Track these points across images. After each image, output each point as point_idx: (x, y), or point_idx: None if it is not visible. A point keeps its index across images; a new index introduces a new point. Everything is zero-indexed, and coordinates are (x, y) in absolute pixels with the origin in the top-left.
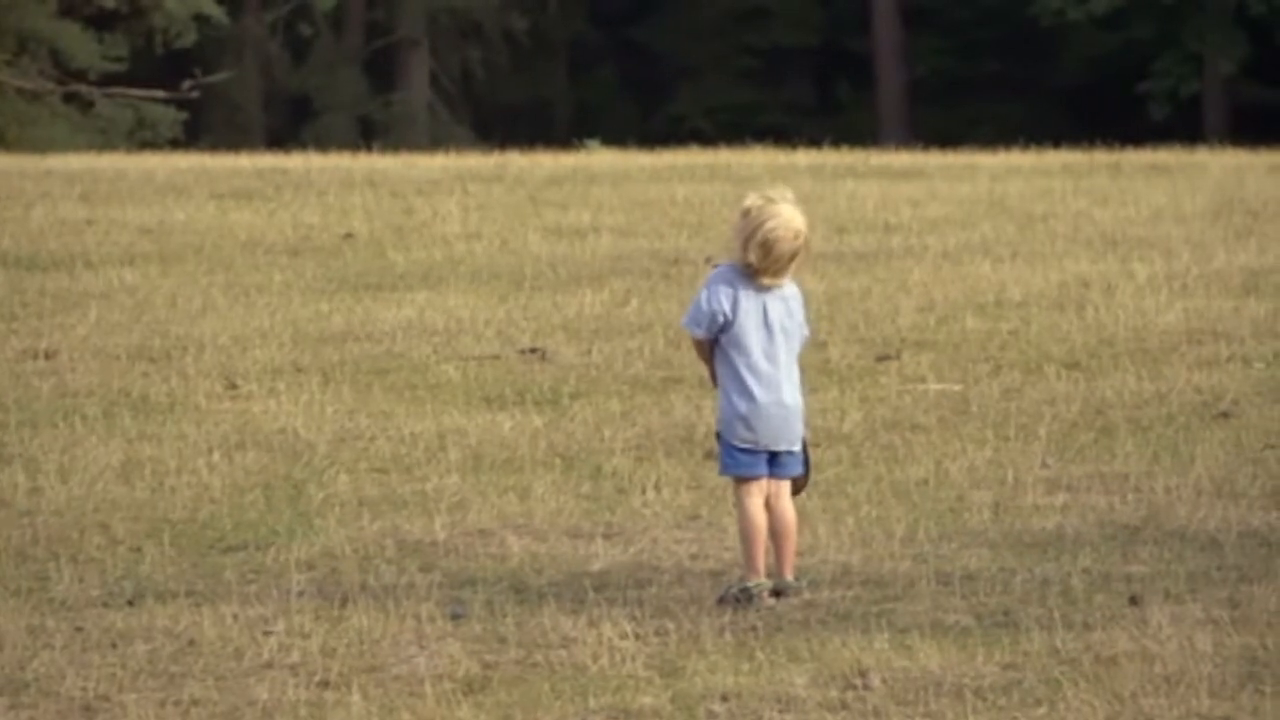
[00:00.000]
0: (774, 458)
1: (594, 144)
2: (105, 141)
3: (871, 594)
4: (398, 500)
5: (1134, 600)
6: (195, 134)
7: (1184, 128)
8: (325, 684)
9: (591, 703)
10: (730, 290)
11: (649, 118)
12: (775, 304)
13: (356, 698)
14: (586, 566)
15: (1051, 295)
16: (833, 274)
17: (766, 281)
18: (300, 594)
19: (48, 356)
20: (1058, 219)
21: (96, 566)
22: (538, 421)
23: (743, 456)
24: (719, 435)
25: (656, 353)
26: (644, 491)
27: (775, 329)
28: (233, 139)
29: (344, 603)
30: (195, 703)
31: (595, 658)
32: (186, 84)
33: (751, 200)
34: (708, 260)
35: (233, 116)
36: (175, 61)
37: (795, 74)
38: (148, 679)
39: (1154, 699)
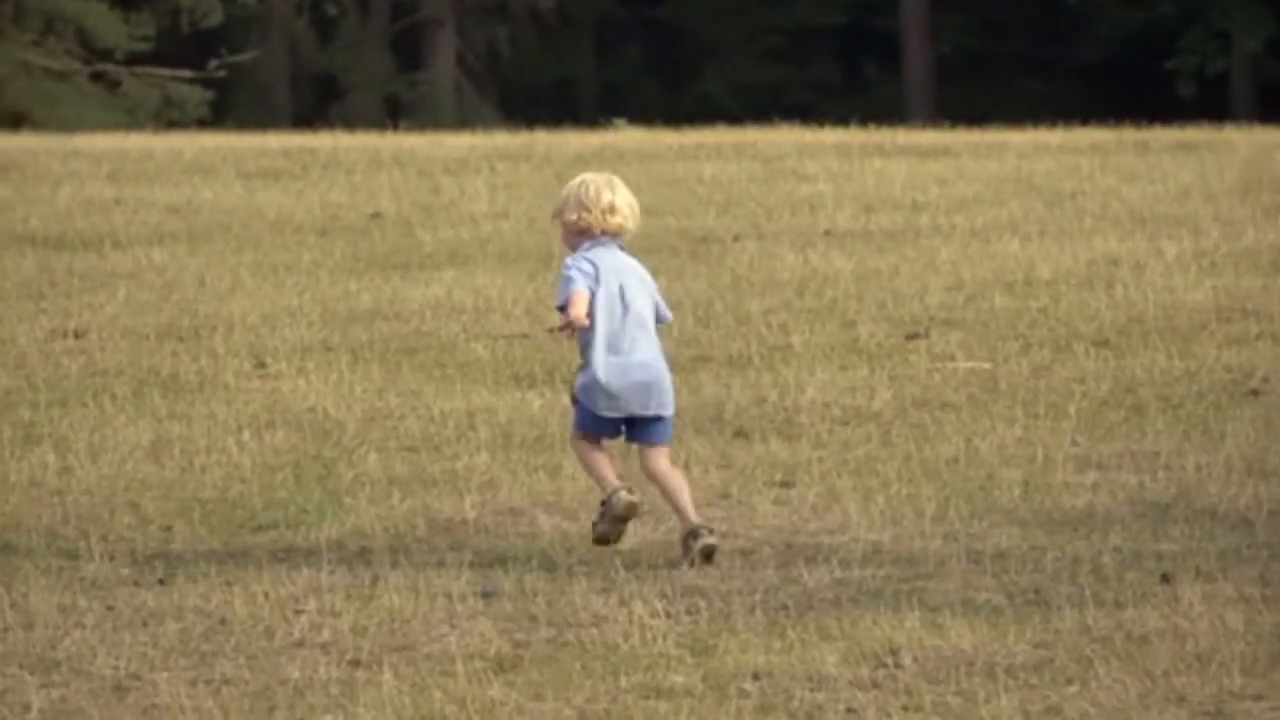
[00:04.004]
0: (638, 424)
1: (621, 123)
2: (132, 121)
3: (902, 572)
4: (428, 479)
5: (1165, 578)
6: (222, 113)
7: (1211, 105)
8: (356, 663)
9: (623, 681)
10: (590, 266)
11: (675, 97)
12: (630, 280)
13: (388, 676)
14: (617, 545)
15: (1080, 273)
16: (861, 253)
17: (616, 223)
18: (331, 573)
19: (77, 336)
20: (1086, 197)
21: (127, 545)
22: (567, 400)
23: (602, 422)
24: (575, 400)
25: (685, 331)
26: None
27: (630, 301)
28: (260, 118)
29: (374, 581)
30: (227, 681)
31: (626, 636)
32: (213, 63)
33: (555, 204)
34: (735, 239)
35: (259, 96)
36: (202, 41)
37: (822, 52)
38: (179, 658)
39: (1186, 677)
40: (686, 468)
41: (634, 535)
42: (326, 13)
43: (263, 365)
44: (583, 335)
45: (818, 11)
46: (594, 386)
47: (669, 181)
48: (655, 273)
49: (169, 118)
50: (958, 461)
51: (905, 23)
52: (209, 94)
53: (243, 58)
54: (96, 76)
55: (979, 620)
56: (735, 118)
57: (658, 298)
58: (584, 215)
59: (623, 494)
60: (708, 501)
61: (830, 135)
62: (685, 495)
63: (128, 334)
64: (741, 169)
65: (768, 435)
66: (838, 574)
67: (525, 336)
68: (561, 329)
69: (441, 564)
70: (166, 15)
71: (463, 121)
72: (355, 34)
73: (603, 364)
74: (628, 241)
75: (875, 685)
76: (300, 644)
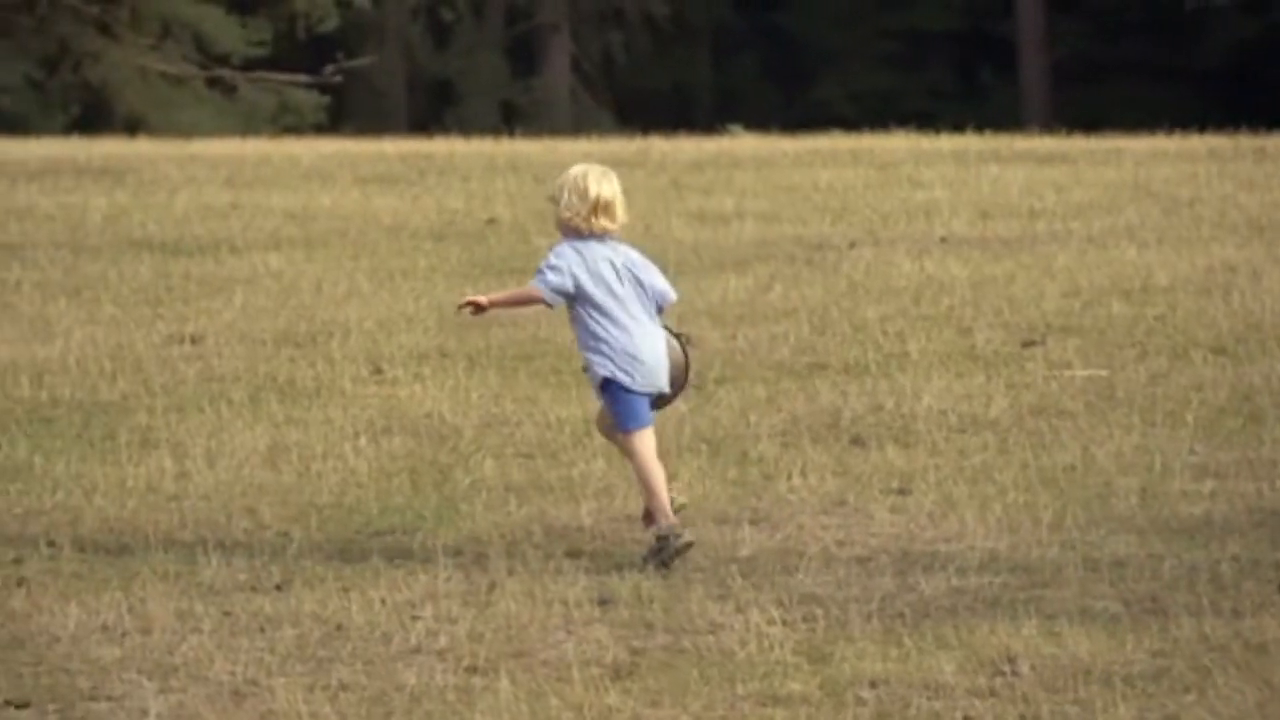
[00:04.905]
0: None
1: (737, 129)
2: (249, 126)
3: (1019, 580)
4: (544, 485)
5: None
6: (338, 119)
7: None
8: (473, 669)
9: (739, 689)
10: (576, 255)
11: (791, 102)
12: (619, 261)
13: (504, 683)
14: (733, 552)
15: (1198, 280)
16: (978, 260)
17: (604, 226)
18: (448, 579)
19: (194, 341)
20: (1203, 204)
21: (244, 551)
22: (683, 407)
23: (642, 404)
24: (605, 386)
25: (801, 338)
26: (790, 477)
27: (625, 280)
28: (375, 124)
29: (491, 588)
30: (344, 687)
31: (743, 644)
32: (329, 69)
33: (553, 189)
34: (851, 245)
35: (375, 101)
36: (318, 46)
37: (937, 58)
38: (296, 663)
39: None
40: (803, 475)
41: (750, 542)
42: (442, 18)
43: (379, 371)
44: (586, 326)
45: (933, 17)
46: (630, 361)
47: (785, 188)
48: (771, 280)
49: (285, 123)
50: (1075, 469)
51: (1021, 28)
52: (325, 99)
53: (359, 63)
54: (213, 82)
55: (1096, 629)
56: (851, 124)
57: (658, 281)
58: (574, 216)
59: (682, 532)
60: (824, 509)
61: (946, 141)
62: (664, 485)
63: (244, 339)
64: (857, 175)
65: (884, 443)
66: (954, 582)
67: None
68: (465, 304)
69: (558, 571)
70: (283, 20)
71: (578, 127)
72: (471, 39)
73: (634, 337)
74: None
75: (992, 694)
76: (417, 650)
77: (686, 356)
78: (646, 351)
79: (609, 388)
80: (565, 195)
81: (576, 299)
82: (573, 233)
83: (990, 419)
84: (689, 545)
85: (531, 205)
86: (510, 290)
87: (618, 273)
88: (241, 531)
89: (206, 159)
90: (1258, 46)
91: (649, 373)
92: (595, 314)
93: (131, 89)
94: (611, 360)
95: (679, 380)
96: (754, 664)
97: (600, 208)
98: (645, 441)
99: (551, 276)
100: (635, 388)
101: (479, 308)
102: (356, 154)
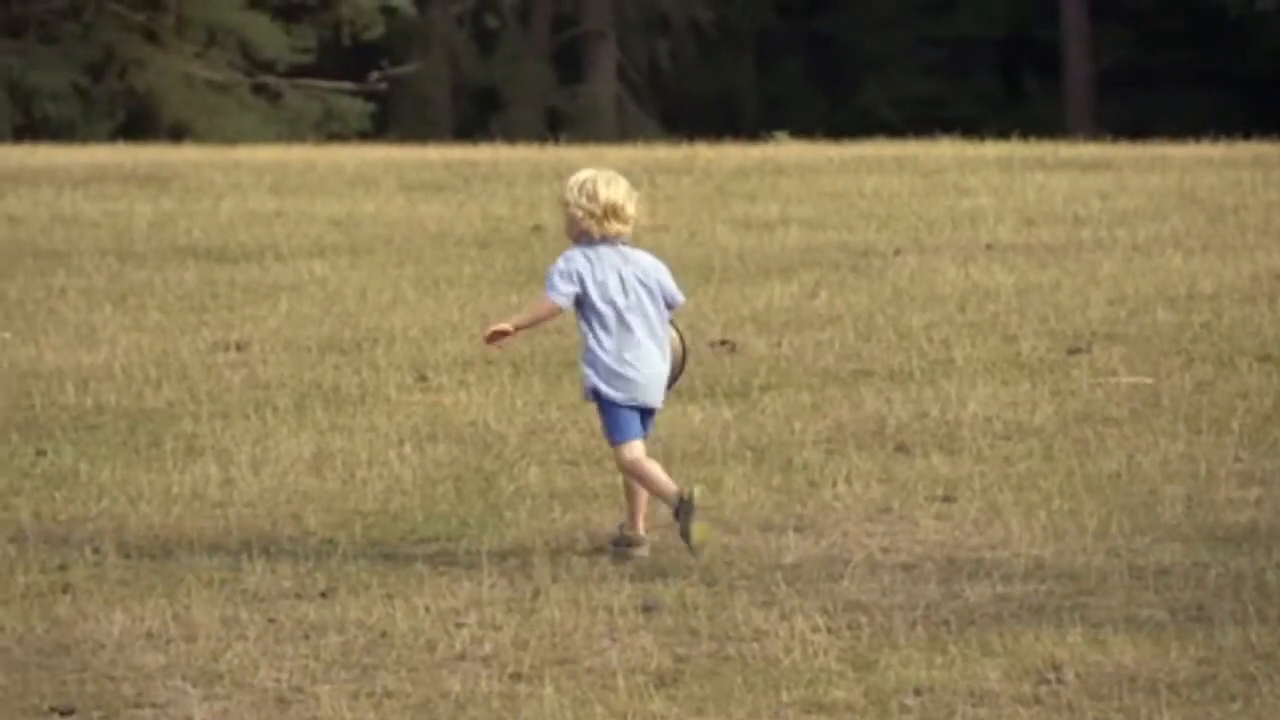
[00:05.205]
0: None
1: (782, 136)
2: (293, 133)
3: (1064, 588)
4: (589, 493)
5: None
6: (383, 126)
7: None
8: (517, 676)
9: (784, 696)
10: (585, 261)
11: (836, 109)
12: (628, 271)
13: (549, 690)
14: (778, 559)
15: (1243, 288)
16: (1022, 267)
17: (615, 229)
18: (492, 586)
19: (239, 348)
20: (1248, 211)
21: (289, 558)
22: (728, 414)
23: (630, 417)
24: (595, 392)
25: (846, 345)
26: (835, 484)
27: (631, 291)
28: (421, 131)
29: (536, 595)
30: (388, 694)
31: (787, 651)
32: (374, 76)
33: (563, 193)
34: (896, 252)
35: (420, 108)
36: (363, 53)
37: (982, 65)
38: (341, 670)
39: None
40: (847, 482)
41: (795, 550)
42: (487, 25)
43: (424, 378)
44: (583, 336)
45: (978, 24)
46: (615, 378)
47: (830, 195)
48: (816, 286)
49: (330, 130)
50: (1120, 477)
51: (1066, 34)
52: (370, 106)
53: (404, 70)
54: (258, 89)
55: (1141, 636)
56: (895, 130)
57: (667, 283)
58: (585, 217)
59: (692, 489)
60: (868, 516)
61: (991, 149)
62: (662, 471)
63: (289, 346)
64: (903, 182)
65: (929, 450)
66: (999, 589)
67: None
68: (492, 336)
69: (603, 578)
70: (328, 27)
71: (623, 134)
72: (516, 46)
73: (625, 351)
74: (632, 235)
75: (1037, 701)
76: (461, 657)
77: (684, 350)
78: (636, 367)
79: (596, 399)
80: (575, 198)
81: (580, 305)
82: (584, 237)
83: (1035, 426)
84: (693, 495)
85: None
86: (527, 309)
87: (624, 284)
88: (286, 538)
89: (251, 166)
90: None
91: (638, 390)
92: (594, 322)
93: (177, 96)
94: (597, 373)
95: (673, 373)
96: (798, 671)
97: (610, 211)
98: (634, 452)
99: (559, 281)
100: (620, 401)
101: (506, 335)
102: (401, 161)
